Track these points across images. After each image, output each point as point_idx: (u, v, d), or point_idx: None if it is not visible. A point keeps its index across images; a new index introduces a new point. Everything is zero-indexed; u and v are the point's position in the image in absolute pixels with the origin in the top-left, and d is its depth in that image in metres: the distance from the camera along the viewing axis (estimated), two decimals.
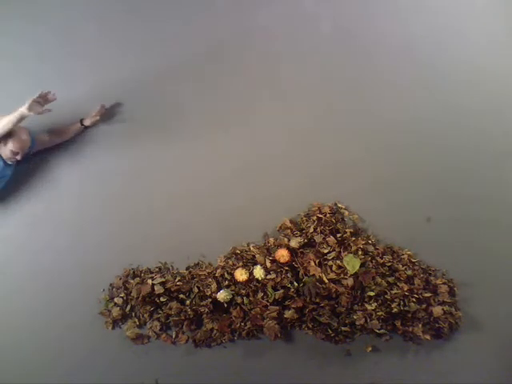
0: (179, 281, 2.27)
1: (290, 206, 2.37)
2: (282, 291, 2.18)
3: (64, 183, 2.41)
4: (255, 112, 2.48)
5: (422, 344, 2.21)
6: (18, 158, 2.16)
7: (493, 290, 2.27)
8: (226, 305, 2.19)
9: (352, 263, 2.21)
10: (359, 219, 2.37)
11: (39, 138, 2.29)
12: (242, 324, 2.19)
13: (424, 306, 2.18)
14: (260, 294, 2.19)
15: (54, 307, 2.32)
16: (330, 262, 2.23)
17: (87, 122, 2.40)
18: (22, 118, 2.04)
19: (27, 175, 2.39)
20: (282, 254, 2.22)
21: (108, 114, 2.46)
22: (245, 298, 2.20)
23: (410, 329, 2.18)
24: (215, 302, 2.21)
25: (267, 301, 2.18)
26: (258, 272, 2.19)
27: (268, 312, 2.17)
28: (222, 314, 2.22)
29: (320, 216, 2.32)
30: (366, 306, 2.18)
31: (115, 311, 2.27)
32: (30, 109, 2.01)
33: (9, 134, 2.10)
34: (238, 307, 2.20)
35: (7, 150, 2.12)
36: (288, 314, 2.17)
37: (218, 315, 2.21)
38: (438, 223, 2.36)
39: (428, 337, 2.17)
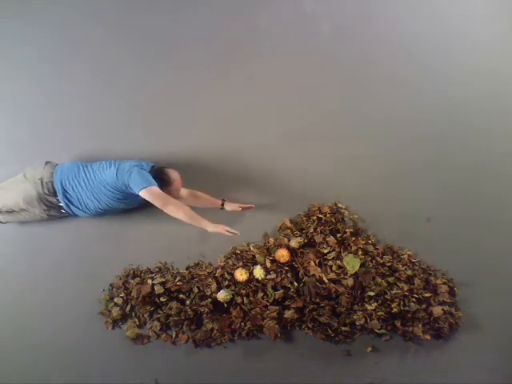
0: (179, 281, 2.27)
1: (290, 205, 2.37)
2: (282, 291, 2.18)
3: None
4: (251, 111, 2.48)
5: (421, 344, 2.21)
6: None
7: (493, 290, 2.27)
8: (226, 305, 2.19)
9: (352, 263, 2.21)
10: (359, 219, 2.37)
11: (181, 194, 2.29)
12: (242, 324, 2.19)
13: (424, 306, 2.18)
14: (260, 294, 2.19)
15: (54, 307, 2.32)
16: (330, 262, 2.23)
17: (227, 207, 2.32)
18: (197, 226, 2.07)
19: None
20: (282, 254, 2.22)
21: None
22: (245, 298, 2.20)
23: (410, 329, 2.18)
24: (215, 302, 2.21)
25: (267, 301, 2.18)
26: (258, 272, 2.19)
27: (268, 312, 2.17)
28: (222, 314, 2.22)
29: (320, 216, 2.32)
30: (366, 305, 2.18)
31: (115, 311, 2.27)
32: (213, 231, 2.05)
33: (170, 183, 2.15)
34: (238, 307, 2.20)
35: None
36: (288, 313, 2.17)
37: (218, 315, 2.21)
38: (437, 223, 2.36)
39: (428, 337, 2.17)
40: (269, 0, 2.60)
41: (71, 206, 2.18)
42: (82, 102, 2.53)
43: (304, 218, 2.35)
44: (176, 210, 2.02)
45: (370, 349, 2.22)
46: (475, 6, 2.59)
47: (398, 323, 2.18)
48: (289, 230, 2.32)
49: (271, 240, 2.30)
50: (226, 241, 2.33)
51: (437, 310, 2.18)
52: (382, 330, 2.18)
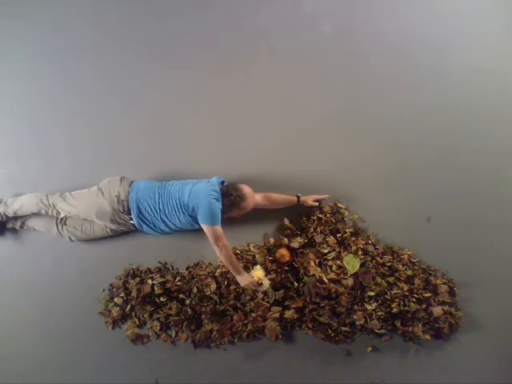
0: (179, 281, 2.27)
1: (291, 206, 2.37)
2: (282, 291, 2.18)
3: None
4: (250, 111, 2.49)
5: (421, 344, 2.21)
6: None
7: (493, 290, 2.27)
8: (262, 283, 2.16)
9: (352, 263, 2.21)
10: (359, 219, 2.37)
11: (256, 201, 2.24)
12: (243, 327, 2.19)
13: (424, 305, 2.18)
14: (261, 295, 2.19)
15: (54, 307, 2.32)
16: (330, 262, 2.23)
17: (305, 202, 2.31)
18: (233, 273, 2.17)
19: None
20: (283, 254, 2.21)
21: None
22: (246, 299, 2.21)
23: (410, 329, 2.18)
24: (215, 303, 2.21)
25: (267, 301, 2.18)
26: (266, 283, 2.17)
27: (270, 313, 2.17)
28: (221, 316, 2.22)
29: (320, 216, 2.32)
30: (366, 305, 2.18)
31: (115, 311, 2.27)
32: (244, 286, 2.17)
33: (244, 199, 2.14)
34: (239, 310, 2.20)
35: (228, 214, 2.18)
36: (288, 314, 2.17)
37: (219, 317, 2.22)
38: (438, 223, 2.36)
39: (428, 337, 2.17)
40: (269, 0, 2.60)
41: (143, 225, 2.17)
42: (83, 102, 2.53)
43: (304, 218, 2.35)
44: (222, 254, 2.10)
45: (370, 349, 2.22)
46: (475, 6, 2.59)
47: (398, 323, 2.18)
48: (289, 230, 2.32)
49: (271, 240, 2.30)
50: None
51: (437, 310, 2.18)
52: (382, 330, 2.18)
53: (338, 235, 2.29)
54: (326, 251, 2.25)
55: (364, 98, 2.49)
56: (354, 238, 2.30)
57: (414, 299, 2.18)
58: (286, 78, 2.53)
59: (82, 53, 2.56)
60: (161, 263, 2.35)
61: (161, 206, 2.13)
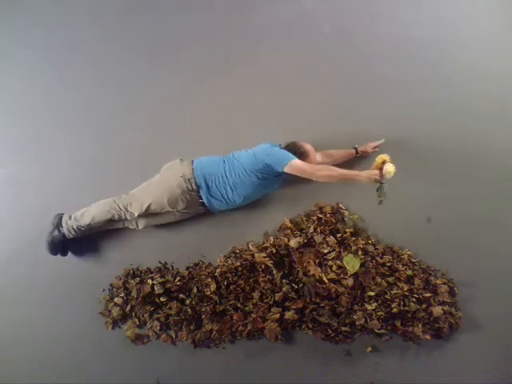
0: (179, 281, 2.27)
1: (291, 207, 2.37)
2: (281, 293, 2.18)
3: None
4: (250, 111, 2.49)
5: (421, 344, 2.20)
6: None
7: (493, 290, 2.27)
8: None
9: (352, 263, 2.21)
10: (359, 219, 2.37)
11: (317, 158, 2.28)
12: (242, 328, 2.19)
13: (424, 305, 2.18)
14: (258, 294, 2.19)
15: (54, 307, 2.32)
16: (330, 262, 2.23)
17: (363, 152, 2.34)
18: (352, 181, 2.07)
19: None
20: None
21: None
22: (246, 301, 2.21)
23: (410, 329, 2.17)
24: (215, 303, 2.21)
25: (267, 302, 2.18)
26: (391, 168, 2.02)
27: (270, 314, 2.17)
28: (221, 316, 2.22)
29: (320, 216, 2.32)
30: (366, 306, 2.18)
31: (115, 311, 2.27)
32: (370, 181, 2.03)
33: (307, 155, 2.18)
34: (239, 310, 2.20)
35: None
36: (288, 315, 2.17)
37: (219, 317, 2.21)
38: (437, 223, 2.36)
39: (428, 337, 2.17)
40: (269, 0, 2.60)
41: (212, 200, 2.18)
42: (83, 102, 2.53)
43: (304, 218, 2.35)
44: (327, 175, 2.06)
45: (369, 349, 2.22)
46: (476, 7, 2.59)
47: (398, 323, 2.18)
48: (289, 230, 2.32)
49: (271, 239, 2.30)
50: (225, 241, 2.34)
51: (437, 310, 2.17)
52: (382, 330, 2.18)
53: (338, 235, 2.29)
54: (326, 251, 2.25)
55: (364, 98, 2.50)
56: (354, 238, 2.30)
57: (414, 299, 2.18)
58: (286, 78, 2.53)
59: (82, 52, 2.56)
60: (161, 263, 2.35)
61: (229, 176, 2.15)
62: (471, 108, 2.45)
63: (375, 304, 2.17)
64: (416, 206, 2.38)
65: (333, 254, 2.24)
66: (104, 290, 2.33)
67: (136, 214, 2.20)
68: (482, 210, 2.36)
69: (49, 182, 2.45)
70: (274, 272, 2.20)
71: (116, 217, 2.22)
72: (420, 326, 2.17)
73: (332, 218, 2.32)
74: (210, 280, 2.24)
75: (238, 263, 2.22)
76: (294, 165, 2.07)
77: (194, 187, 2.15)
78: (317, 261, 2.23)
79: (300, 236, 2.29)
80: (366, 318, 2.17)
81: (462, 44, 2.55)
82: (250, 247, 2.30)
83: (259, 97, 2.52)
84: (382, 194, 2.06)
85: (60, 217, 2.26)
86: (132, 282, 2.29)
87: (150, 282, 2.26)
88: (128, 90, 2.53)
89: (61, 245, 2.25)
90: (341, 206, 2.36)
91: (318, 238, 2.28)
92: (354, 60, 2.55)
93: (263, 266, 2.21)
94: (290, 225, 2.33)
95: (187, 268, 2.34)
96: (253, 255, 2.24)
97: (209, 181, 2.15)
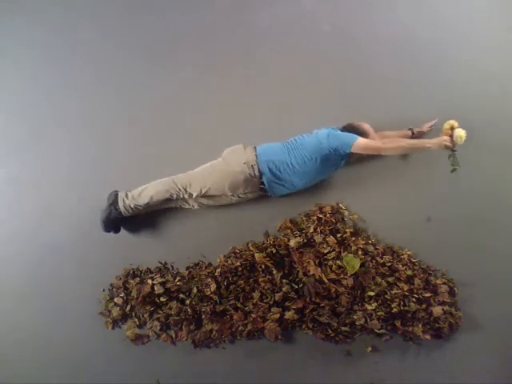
0: (179, 281, 2.27)
1: (291, 207, 2.37)
2: (281, 293, 2.18)
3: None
4: (250, 111, 2.49)
5: (421, 344, 2.20)
6: None
7: (493, 290, 2.27)
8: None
9: (352, 263, 2.21)
10: (359, 219, 2.37)
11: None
12: (242, 328, 2.19)
13: (424, 305, 2.18)
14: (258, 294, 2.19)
15: (54, 307, 2.32)
16: (330, 262, 2.23)
17: (420, 133, 2.38)
18: (421, 150, 2.15)
19: None
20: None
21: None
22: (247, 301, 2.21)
23: (410, 329, 2.17)
24: (215, 303, 2.21)
25: (267, 302, 2.18)
26: (462, 133, 2.02)
27: (270, 314, 2.17)
28: (221, 316, 2.22)
29: (320, 216, 2.32)
30: (366, 306, 2.18)
31: (115, 311, 2.27)
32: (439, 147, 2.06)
33: (367, 135, 2.21)
34: (239, 310, 2.20)
35: None
36: (288, 315, 2.17)
37: (219, 317, 2.21)
38: (437, 223, 2.36)
39: (428, 337, 2.17)
40: (269, 0, 2.60)
41: (274, 186, 2.22)
42: (83, 102, 2.53)
43: (304, 218, 2.35)
44: (396, 146, 2.14)
45: (369, 349, 2.22)
46: (476, 7, 2.59)
47: (398, 323, 2.18)
48: (289, 230, 2.32)
49: (271, 238, 2.30)
50: (225, 241, 2.34)
51: (437, 310, 2.17)
52: (382, 330, 2.18)
53: (338, 235, 2.29)
54: (325, 251, 2.25)
55: (364, 98, 2.50)
56: (354, 238, 2.30)
57: (414, 299, 2.18)
58: (286, 78, 2.53)
59: (82, 52, 2.56)
60: (161, 263, 2.35)
61: (295, 164, 2.18)
62: (472, 107, 2.45)
63: (375, 304, 2.17)
64: (416, 206, 2.38)
65: (333, 254, 2.24)
66: (104, 290, 2.33)
67: (194, 195, 2.23)
68: (482, 210, 2.36)
69: (49, 182, 2.45)
70: (274, 272, 2.21)
71: (174, 196, 2.25)
72: (420, 325, 2.17)
73: (332, 218, 2.32)
74: (209, 280, 2.24)
75: (238, 263, 2.22)
76: (361, 143, 2.12)
77: (257, 174, 2.18)
78: (317, 261, 2.23)
79: (300, 236, 2.29)
80: (366, 317, 2.17)
81: (462, 44, 2.55)
82: (250, 247, 2.30)
83: (259, 97, 2.52)
84: (455, 161, 2.03)
85: (115, 194, 2.28)
86: (132, 282, 2.29)
87: (150, 281, 2.26)
88: (128, 90, 2.53)
89: (115, 222, 2.27)
90: (341, 205, 2.37)
91: (318, 238, 2.28)
92: (354, 60, 2.55)
93: (263, 266, 2.22)
94: (289, 225, 2.33)
95: (187, 268, 2.34)
96: (253, 255, 2.24)
97: (273, 168, 2.18)
